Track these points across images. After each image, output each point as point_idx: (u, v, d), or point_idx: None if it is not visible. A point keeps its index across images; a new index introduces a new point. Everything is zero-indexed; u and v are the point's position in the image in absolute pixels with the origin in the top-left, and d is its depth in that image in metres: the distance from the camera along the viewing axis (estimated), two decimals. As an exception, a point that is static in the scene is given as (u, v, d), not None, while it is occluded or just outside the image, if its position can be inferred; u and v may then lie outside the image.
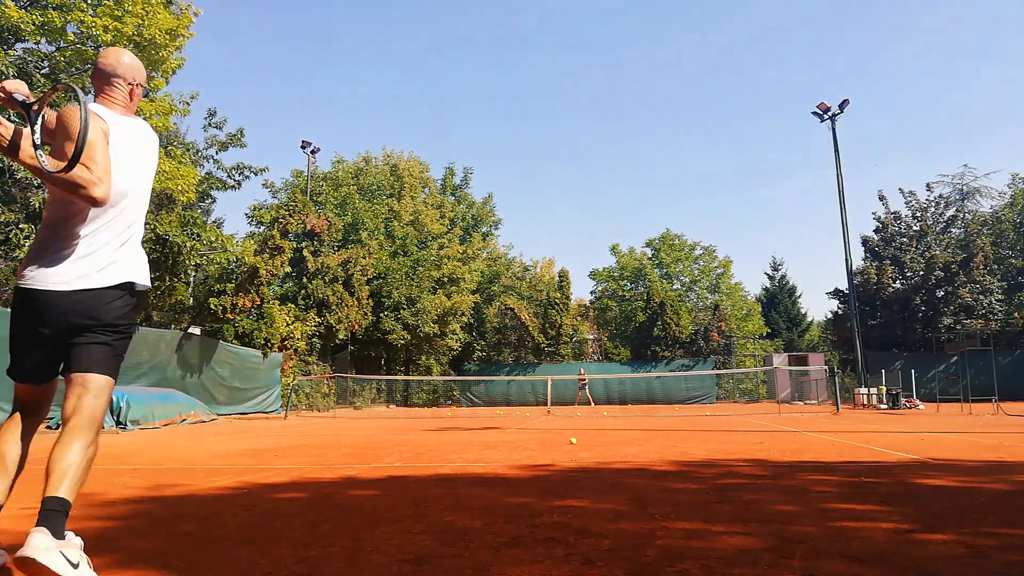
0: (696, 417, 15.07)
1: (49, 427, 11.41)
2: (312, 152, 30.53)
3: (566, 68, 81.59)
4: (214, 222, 28.02)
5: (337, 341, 26.35)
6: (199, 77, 67.23)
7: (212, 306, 17.14)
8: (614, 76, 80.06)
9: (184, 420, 13.53)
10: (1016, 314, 28.84)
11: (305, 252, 24.43)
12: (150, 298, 15.76)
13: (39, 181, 12.70)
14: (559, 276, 35.27)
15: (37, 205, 12.54)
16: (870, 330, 28.06)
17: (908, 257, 29.06)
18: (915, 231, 29.82)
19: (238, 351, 18.37)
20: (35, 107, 2.14)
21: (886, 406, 18.58)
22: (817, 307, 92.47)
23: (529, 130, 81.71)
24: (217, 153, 19.91)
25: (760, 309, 42.87)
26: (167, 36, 14.98)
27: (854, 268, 26.80)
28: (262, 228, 24.98)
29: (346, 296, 24.87)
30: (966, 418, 12.82)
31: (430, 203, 35.25)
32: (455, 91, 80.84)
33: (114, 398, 12.00)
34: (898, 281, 29.26)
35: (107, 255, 2.22)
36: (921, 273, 28.36)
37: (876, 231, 30.59)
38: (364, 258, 26.55)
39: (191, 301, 18.31)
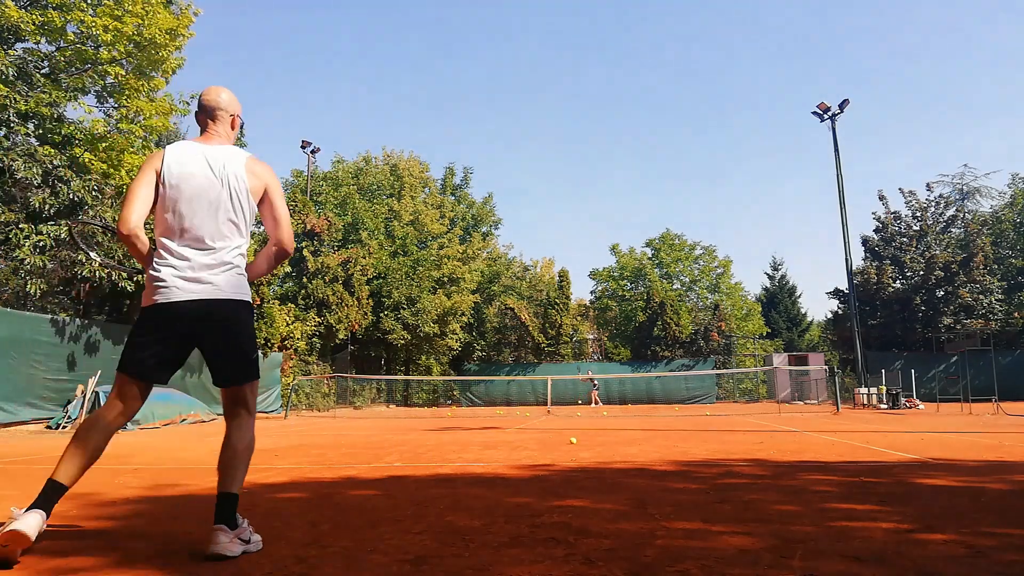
0: (696, 417, 15.07)
1: (49, 427, 11.43)
2: (312, 152, 30.54)
3: (566, 68, 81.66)
4: (214, 222, 27.95)
5: (337, 341, 26.35)
6: (199, 77, 67.27)
7: (212, 306, 17.10)
8: (614, 75, 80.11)
9: (184, 420, 13.53)
10: (1016, 314, 28.83)
11: (305, 252, 24.43)
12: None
13: (39, 181, 12.70)
14: (559, 276, 35.28)
15: (37, 205, 12.53)
16: (870, 330, 28.05)
17: (908, 257, 29.05)
18: (915, 231, 29.82)
19: (238, 351, 18.35)
20: None
21: (886, 406, 18.58)
22: (817, 307, 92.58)
23: (529, 129, 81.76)
24: (217, 153, 19.90)
25: (760, 309, 42.86)
26: (167, 36, 14.97)
27: (854, 268, 26.80)
28: (262, 228, 24.96)
29: (346, 296, 24.87)
30: (966, 418, 12.82)
31: (430, 203, 35.24)
32: (455, 91, 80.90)
33: (114, 398, 12.00)
34: (898, 281, 29.25)
35: None
36: (921, 273, 28.36)
37: (876, 231, 30.59)
38: (364, 258, 26.55)
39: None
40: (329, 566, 2.18)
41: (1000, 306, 28.36)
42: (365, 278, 26.57)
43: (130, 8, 14.17)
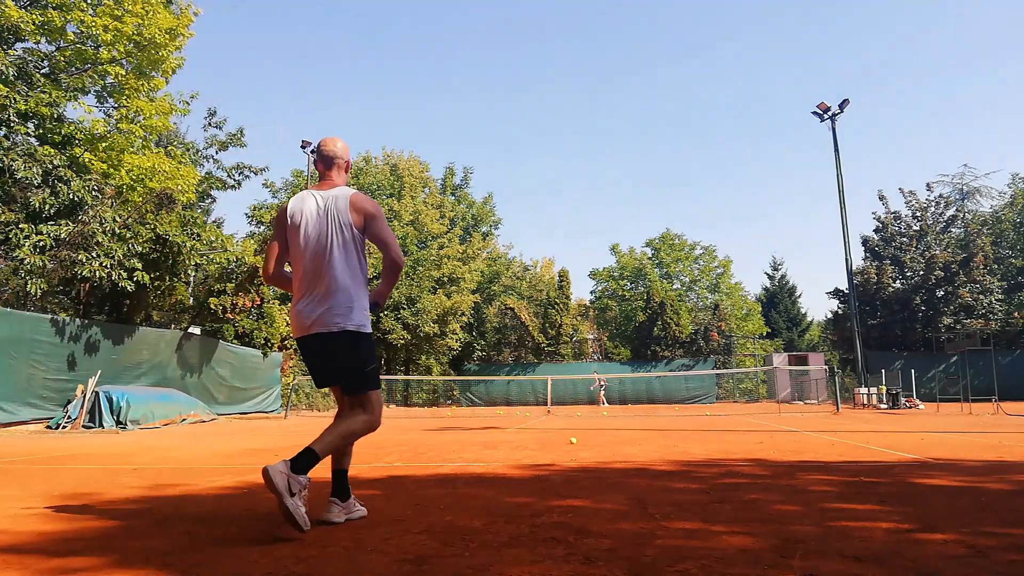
0: (696, 417, 15.07)
1: (49, 427, 11.43)
2: (312, 152, 30.51)
3: (566, 68, 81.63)
4: (214, 222, 28.00)
5: (337, 341, 26.30)
6: (199, 77, 67.27)
7: (212, 306, 17.14)
8: (614, 75, 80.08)
9: (184, 420, 13.53)
10: (1016, 314, 28.83)
11: (305, 252, 24.37)
12: (150, 298, 15.76)
13: (39, 181, 12.70)
14: (559, 276, 35.28)
15: (37, 205, 12.53)
16: (870, 330, 28.06)
17: (908, 257, 29.06)
18: (915, 231, 29.82)
19: (238, 351, 18.37)
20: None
21: (886, 406, 18.58)
22: (817, 307, 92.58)
23: (529, 129, 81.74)
24: (217, 153, 19.94)
25: (760, 309, 42.88)
26: (167, 36, 14.98)
27: (854, 268, 26.79)
28: (262, 228, 24.98)
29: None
30: (966, 418, 12.82)
31: (430, 203, 35.25)
32: (456, 91, 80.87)
33: (114, 398, 12.01)
34: (898, 281, 29.25)
35: None
36: (921, 273, 28.36)
37: (876, 231, 30.59)
38: (364, 258, 26.52)
39: (191, 301, 18.31)
40: (329, 566, 2.18)
41: (1000, 306, 28.36)
42: (365, 278, 26.54)
43: (130, 8, 14.18)
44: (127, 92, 15.25)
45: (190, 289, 18.58)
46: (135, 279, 13.24)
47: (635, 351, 34.49)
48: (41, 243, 12.21)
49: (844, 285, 28.76)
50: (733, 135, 79.84)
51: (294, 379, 20.80)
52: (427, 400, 32.06)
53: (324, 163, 3.10)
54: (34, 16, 13.49)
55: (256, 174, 19.85)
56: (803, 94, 72.12)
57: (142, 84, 15.34)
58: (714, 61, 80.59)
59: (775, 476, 4.50)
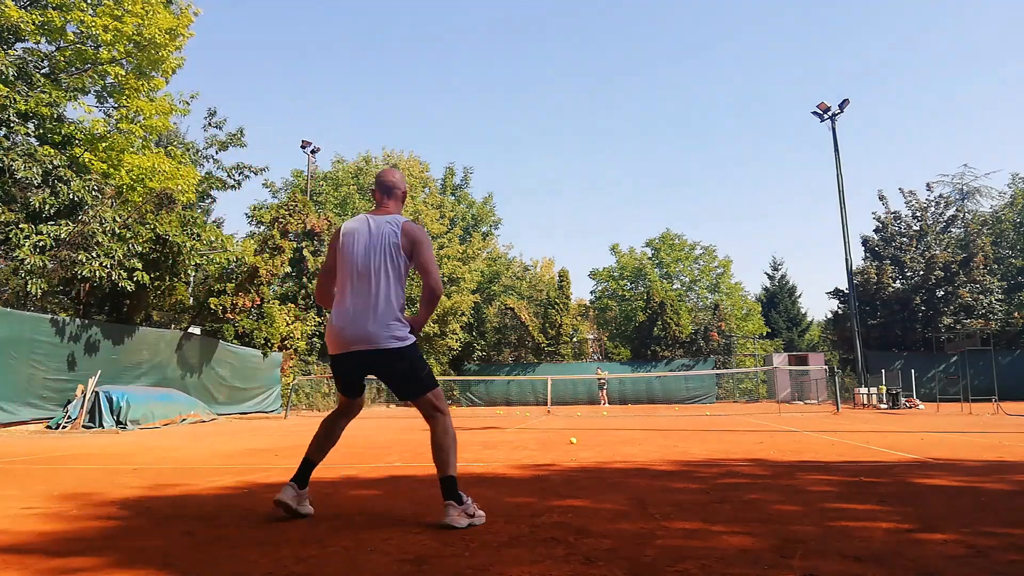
0: (696, 417, 15.07)
1: (49, 427, 11.43)
2: (312, 152, 30.52)
3: (566, 68, 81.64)
4: (214, 222, 28.03)
5: (337, 341, 26.30)
6: (199, 77, 67.26)
7: (212, 306, 17.14)
8: (614, 75, 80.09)
9: (184, 420, 13.53)
10: (1016, 314, 28.82)
11: (305, 252, 24.43)
12: (150, 298, 15.76)
13: (39, 181, 12.69)
14: (559, 276, 35.27)
15: (37, 205, 12.53)
16: (870, 330, 28.05)
17: (908, 257, 29.05)
18: (915, 231, 29.81)
19: (238, 351, 18.37)
20: None
21: (886, 406, 18.58)
22: (817, 307, 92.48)
23: (529, 129, 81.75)
24: (217, 153, 19.92)
25: (760, 309, 42.86)
26: (167, 36, 14.98)
27: (854, 268, 26.80)
28: (262, 228, 24.98)
29: (346, 296, 24.84)
30: (966, 418, 12.82)
31: (430, 203, 35.25)
32: (456, 91, 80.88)
33: (114, 398, 12.01)
34: (898, 281, 29.24)
35: None
36: (921, 273, 28.35)
37: (876, 231, 30.58)
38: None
39: (191, 301, 18.31)
40: (329, 566, 2.18)
41: (1000, 306, 28.35)
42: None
43: (130, 8, 14.18)
44: (127, 92, 15.25)
45: (190, 289, 18.59)
46: (135, 279, 13.23)
47: (635, 351, 34.47)
48: (41, 243, 12.21)
49: (844, 285, 28.76)
50: (733, 135, 79.90)
51: (294, 379, 20.80)
52: (427, 400, 32.00)
53: (382, 191, 3.27)
54: (34, 16, 13.49)
55: (256, 174, 19.83)
56: (803, 94, 72.18)
57: (142, 84, 15.34)
58: (714, 61, 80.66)
59: (775, 476, 4.50)
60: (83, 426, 11.46)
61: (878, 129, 77.53)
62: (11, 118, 12.90)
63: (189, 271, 15.72)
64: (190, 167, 17.53)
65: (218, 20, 70.85)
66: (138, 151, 15.77)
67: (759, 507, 3.23)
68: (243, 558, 2.29)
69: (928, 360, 25.39)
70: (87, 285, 13.97)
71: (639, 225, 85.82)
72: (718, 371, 29.41)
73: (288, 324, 20.87)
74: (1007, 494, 3.67)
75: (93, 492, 3.95)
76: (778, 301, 46.56)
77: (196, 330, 17.93)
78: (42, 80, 13.83)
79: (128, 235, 13.28)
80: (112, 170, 15.01)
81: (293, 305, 22.50)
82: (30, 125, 13.83)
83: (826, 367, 23.69)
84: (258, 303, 18.97)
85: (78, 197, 13.01)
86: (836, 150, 25.56)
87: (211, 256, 16.37)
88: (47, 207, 12.69)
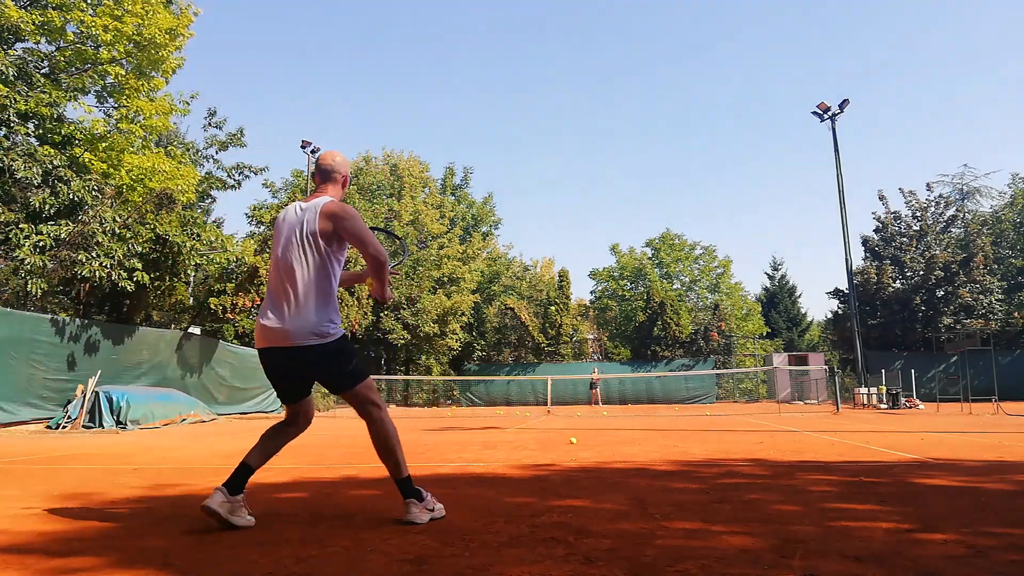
0: (696, 417, 15.07)
1: (49, 427, 11.43)
2: (312, 152, 30.45)
3: (566, 68, 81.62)
4: (214, 222, 28.01)
5: (337, 341, 26.30)
6: (199, 77, 67.26)
7: (212, 306, 17.13)
8: (614, 75, 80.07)
9: (184, 420, 13.53)
10: (1016, 314, 28.82)
11: (305, 252, 24.38)
12: (150, 298, 15.76)
13: (39, 181, 12.70)
14: (559, 276, 35.27)
15: (37, 205, 12.53)
16: (870, 330, 28.04)
17: (908, 257, 29.05)
18: (915, 231, 29.81)
19: (238, 351, 18.37)
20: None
21: (886, 406, 18.58)
22: (817, 307, 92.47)
23: (529, 129, 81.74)
24: (217, 153, 19.92)
25: (760, 309, 42.87)
26: (167, 36, 14.98)
27: (854, 268, 26.78)
28: (262, 228, 24.98)
29: (346, 296, 24.84)
30: (966, 418, 12.82)
31: (430, 203, 35.25)
32: (456, 91, 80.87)
33: (114, 398, 12.00)
34: (898, 281, 29.24)
35: None
36: (921, 273, 28.35)
37: (876, 231, 30.58)
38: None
39: (191, 301, 18.30)
40: (329, 566, 2.18)
41: (1000, 306, 28.35)
42: (365, 278, 26.56)
43: (130, 8, 14.17)
44: (127, 92, 15.25)
45: (190, 289, 18.58)
46: (135, 279, 13.23)
47: (635, 351, 34.48)
48: (41, 243, 12.21)
49: (844, 285, 28.76)
50: (733, 135, 79.86)
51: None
52: (427, 400, 32.05)
53: (320, 175, 3.08)
54: (34, 16, 13.49)
55: (256, 174, 19.84)
56: (803, 94, 72.16)
57: (142, 84, 15.34)
58: (714, 61, 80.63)
59: (775, 476, 4.50)
60: (83, 426, 11.46)
61: (878, 129, 77.61)
62: (11, 118, 12.90)
63: (189, 271, 15.72)
64: (190, 167, 17.53)
65: (218, 20, 70.91)
66: (138, 151, 15.77)
67: (759, 507, 3.23)
68: (243, 558, 2.29)
69: (928, 360, 25.38)
70: (87, 285, 13.97)
71: (639, 225, 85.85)
72: (718, 371, 29.41)
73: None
74: (1007, 494, 3.67)
75: (93, 492, 3.95)
76: (778, 301, 46.56)
77: (196, 330, 17.93)
78: (42, 80, 13.82)
79: (128, 235, 13.28)
80: (112, 170, 15.01)
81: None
82: (30, 125, 13.83)
83: (826, 367, 23.69)
84: (258, 303, 18.97)
85: (78, 197, 13.01)
86: (836, 150, 25.55)
87: (211, 256, 16.36)
88: (47, 207, 12.69)
